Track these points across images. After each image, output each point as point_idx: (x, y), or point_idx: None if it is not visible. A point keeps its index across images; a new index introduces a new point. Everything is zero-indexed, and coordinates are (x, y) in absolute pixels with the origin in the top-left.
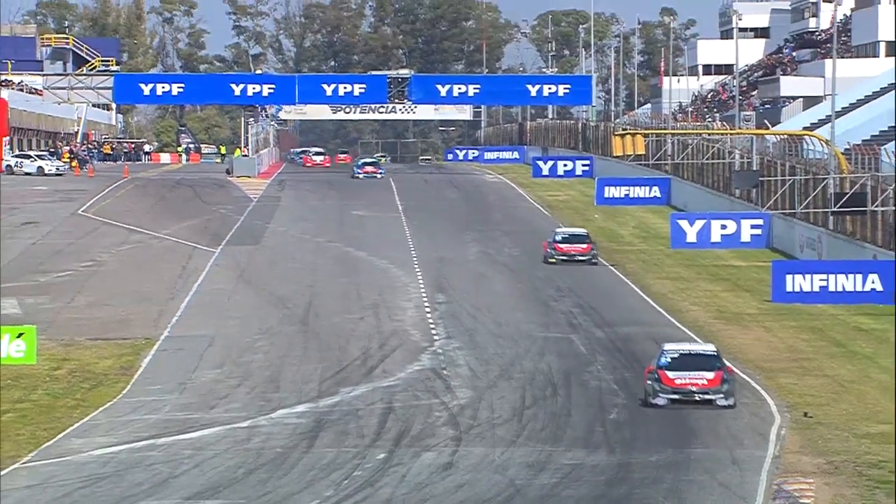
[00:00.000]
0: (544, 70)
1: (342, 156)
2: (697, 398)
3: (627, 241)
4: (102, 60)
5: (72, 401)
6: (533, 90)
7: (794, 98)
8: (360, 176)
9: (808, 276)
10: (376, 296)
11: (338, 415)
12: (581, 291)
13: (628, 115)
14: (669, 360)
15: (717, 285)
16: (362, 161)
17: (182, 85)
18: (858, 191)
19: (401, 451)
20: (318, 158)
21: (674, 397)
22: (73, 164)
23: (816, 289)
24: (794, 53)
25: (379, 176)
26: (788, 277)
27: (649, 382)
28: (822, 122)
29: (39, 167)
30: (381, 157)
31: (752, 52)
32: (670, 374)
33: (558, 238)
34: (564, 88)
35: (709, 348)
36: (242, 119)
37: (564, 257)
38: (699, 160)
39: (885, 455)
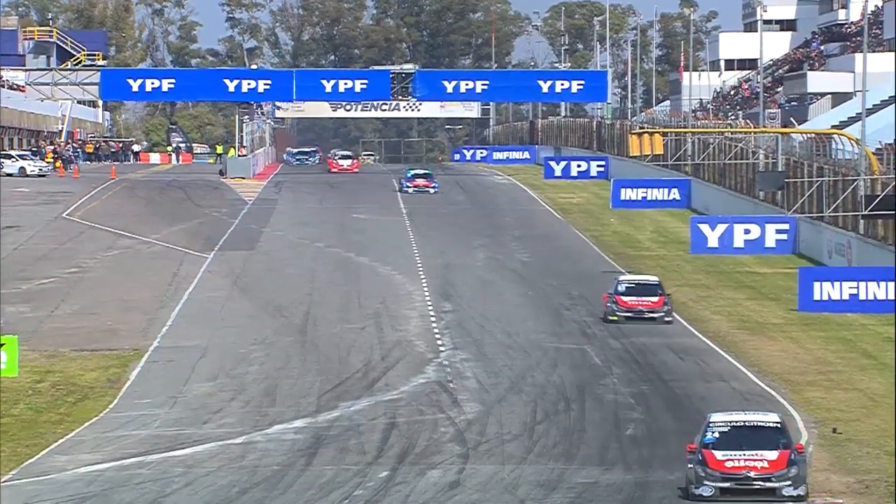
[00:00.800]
0: (557, 65)
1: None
2: (756, 486)
3: (645, 247)
4: (88, 55)
5: (55, 415)
6: (545, 86)
7: (822, 94)
8: (410, 190)
9: (836, 284)
10: (379, 304)
11: (338, 430)
12: (595, 300)
13: (646, 113)
14: (717, 434)
15: (741, 293)
16: (412, 172)
17: (173, 80)
18: (890, 193)
19: (404, 468)
20: (346, 163)
21: (724, 485)
22: (58, 164)
23: (846, 297)
24: (822, 47)
25: (432, 191)
26: (816, 285)
27: (691, 466)
28: (851, 120)
29: (21, 168)
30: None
31: (777, 45)
32: (718, 454)
33: (622, 289)
34: (578, 84)
35: (770, 419)
36: (237, 117)
37: (630, 313)
38: (721, 160)
39: None
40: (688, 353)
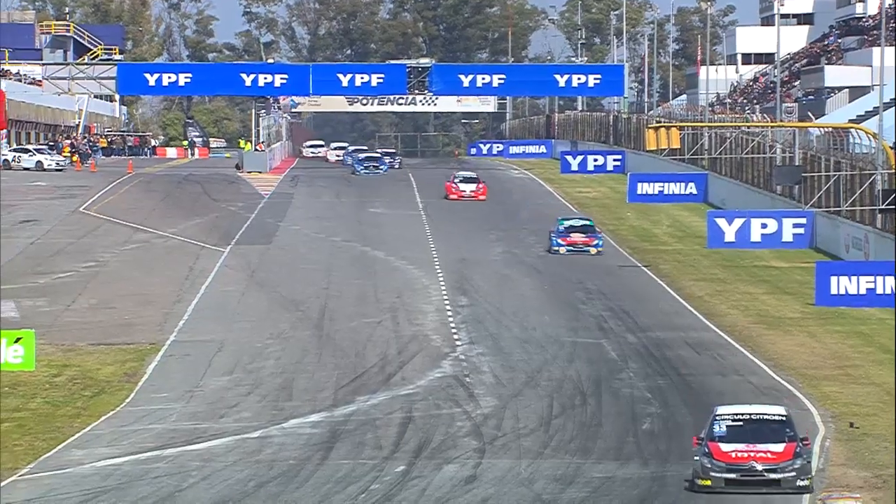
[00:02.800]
0: (573, 59)
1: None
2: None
3: (661, 241)
4: (105, 49)
5: (72, 409)
6: (561, 80)
7: (840, 88)
8: (563, 251)
9: (854, 278)
10: (395, 298)
11: (354, 425)
12: (612, 294)
13: (662, 107)
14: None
15: (757, 287)
16: (566, 224)
17: (189, 75)
18: None
19: (421, 463)
20: (469, 189)
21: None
22: (75, 158)
23: (863, 291)
24: (839, 41)
25: (594, 251)
26: (833, 279)
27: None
28: (869, 115)
29: (38, 162)
30: (362, 149)
31: (794, 39)
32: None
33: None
34: (595, 78)
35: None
36: (253, 111)
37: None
38: (738, 155)
39: None
40: (704, 347)
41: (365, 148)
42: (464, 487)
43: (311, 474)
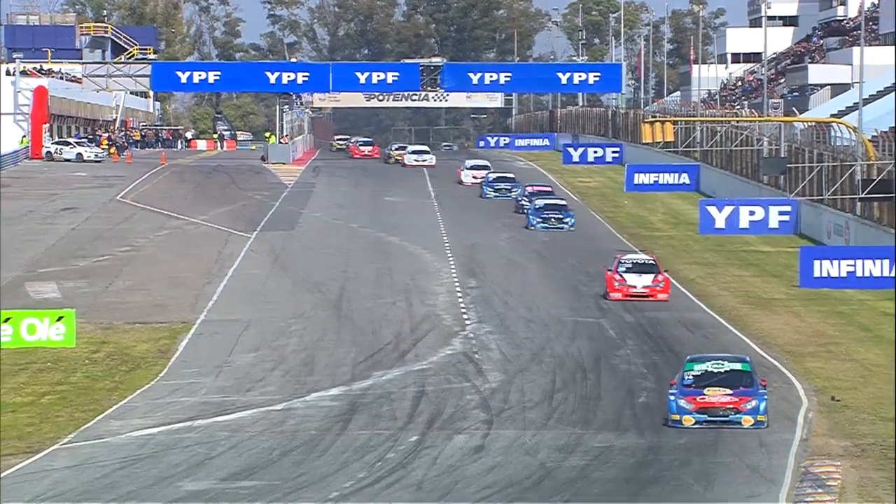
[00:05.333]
0: (574, 58)
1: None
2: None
3: (657, 227)
4: (140, 49)
5: (110, 383)
6: (563, 78)
7: (822, 86)
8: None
9: (835, 262)
10: (409, 280)
11: (371, 398)
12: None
13: (658, 103)
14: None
15: (746, 270)
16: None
17: (218, 73)
18: (885, 177)
19: (433, 433)
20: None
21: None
22: (112, 150)
23: (844, 274)
24: (822, 41)
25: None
26: (816, 263)
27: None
28: (849, 110)
29: (79, 154)
30: (507, 176)
31: (780, 40)
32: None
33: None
34: (594, 76)
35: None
36: (277, 106)
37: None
38: (728, 147)
39: None
40: (697, 326)
41: (512, 177)
42: (473, 456)
43: (331, 444)
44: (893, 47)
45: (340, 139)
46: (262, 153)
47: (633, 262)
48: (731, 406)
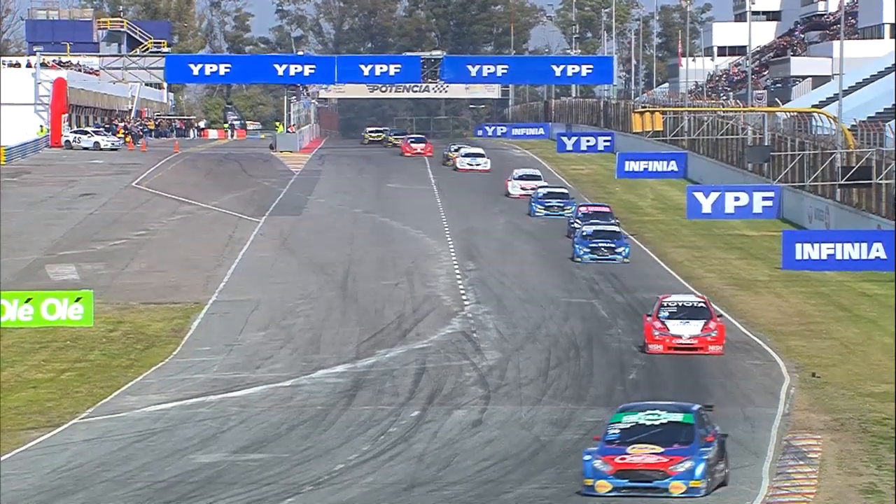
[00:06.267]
0: (568, 51)
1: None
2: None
3: (646, 212)
4: (155, 42)
5: (126, 361)
6: (557, 70)
7: (804, 77)
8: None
9: (816, 245)
10: (410, 263)
11: (374, 375)
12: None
13: (647, 94)
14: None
15: (731, 253)
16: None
17: (229, 65)
18: (864, 165)
19: (433, 408)
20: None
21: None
22: (128, 139)
23: (824, 257)
24: (803, 35)
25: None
26: (798, 246)
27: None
28: (829, 101)
29: (96, 142)
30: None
31: (764, 34)
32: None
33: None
34: (587, 69)
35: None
36: (285, 97)
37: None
38: (714, 136)
39: (888, 412)
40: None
41: (565, 192)
42: (471, 430)
43: (337, 418)
44: (894, 40)
45: (374, 131)
46: (271, 142)
47: (677, 306)
48: (658, 468)
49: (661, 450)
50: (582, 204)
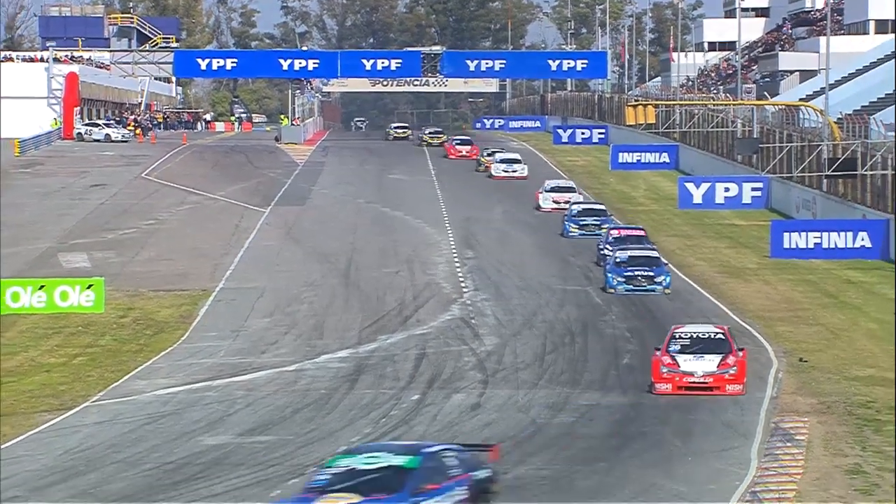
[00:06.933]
0: (564, 46)
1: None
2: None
3: (639, 203)
4: (164, 38)
5: (136, 346)
6: (553, 65)
7: (792, 72)
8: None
9: (803, 234)
10: (411, 252)
11: (376, 360)
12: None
13: (640, 88)
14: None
15: (721, 242)
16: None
17: (235, 60)
18: (849, 156)
19: (433, 392)
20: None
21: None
22: (137, 132)
23: (811, 245)
24: (791, 31)
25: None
26: (786, 235)
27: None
28: (816, 94)
29: (107, 134)
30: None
31: (753, 30)
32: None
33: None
34: (582, 63)
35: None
36: (290, 91)
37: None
38: (704, 129)
39: (873, 396)
40: (675, 293)
41: (603, 209)
42: (470, 413)
43: (340, 402)
44: (894, 34)
45: (399, 128)
46: (276, 134)
47: (691, 337)
48: None
49: (358, 500)
50: (613, 227)
